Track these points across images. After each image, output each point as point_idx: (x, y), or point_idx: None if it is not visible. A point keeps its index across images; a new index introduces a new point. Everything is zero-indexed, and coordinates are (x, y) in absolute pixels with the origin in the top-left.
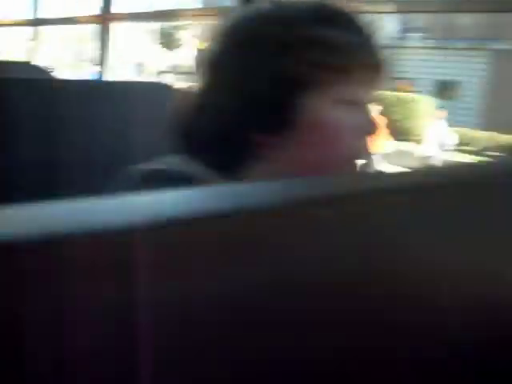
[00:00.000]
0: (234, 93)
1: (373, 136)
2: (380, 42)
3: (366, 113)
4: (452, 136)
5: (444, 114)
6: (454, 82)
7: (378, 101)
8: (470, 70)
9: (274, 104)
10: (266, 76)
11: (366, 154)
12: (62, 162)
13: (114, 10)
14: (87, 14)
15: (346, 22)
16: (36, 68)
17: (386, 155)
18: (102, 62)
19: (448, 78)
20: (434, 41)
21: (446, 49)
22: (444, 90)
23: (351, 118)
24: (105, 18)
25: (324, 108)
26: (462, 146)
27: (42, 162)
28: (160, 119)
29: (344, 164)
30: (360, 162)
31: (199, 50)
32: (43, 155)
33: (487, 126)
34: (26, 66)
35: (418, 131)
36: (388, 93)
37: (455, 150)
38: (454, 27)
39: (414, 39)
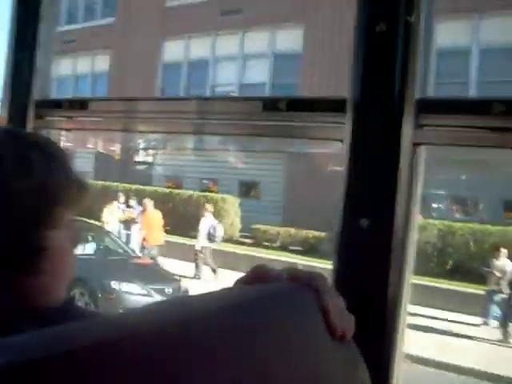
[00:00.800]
0: None
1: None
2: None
3: (74, 228)
4: (220, 229)
5: (210, 208)
6: (255, 182)
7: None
8: (269, 171)
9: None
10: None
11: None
12: None
13: None
14: None
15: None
16: None
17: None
18: None
19: (250, 178)
20: (235, 143)
21: (247, 151)
22: (246, 189)
23: (66, 238)
24: None
25: (55, 235)
26: (264, 241)
27: None
28: None
29: (69, 279)
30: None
31: None
32: None
33: (285, 223)
34: None
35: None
36: (196, 193)
37: (258, 246)
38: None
39: (216, 143)
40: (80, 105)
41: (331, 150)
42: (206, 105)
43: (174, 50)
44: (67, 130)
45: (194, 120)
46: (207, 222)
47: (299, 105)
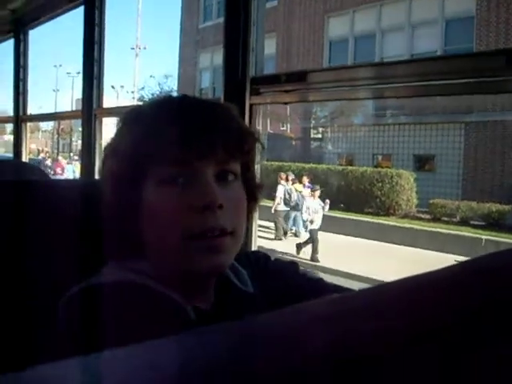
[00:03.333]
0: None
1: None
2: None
3: (199, 186)
4: (294, 193)
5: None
6: (430, 155)
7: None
8: (445, 143)
9: (124, 202)
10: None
11: (217, 227)
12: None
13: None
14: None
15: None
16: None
17: None
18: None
19: (424, 151)
20: (408, 117)
21: (421, 124)
22: (421, 163)
23: (179, 195)
24: (94, 114)
25: (151, 192)
26: (443, 216)
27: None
28: None
29: (191, 240)
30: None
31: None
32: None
33: (465, 196)
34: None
35: (401, 206)
36: (369, 169)
37: (436, 221)
38: (428, 102)
39: (389, 116)
40: (298, 77)
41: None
42: (435, 65)
43: (338, 26)
44: (285, 103)
45: (419, 82)
46: (282, 188)
47: None
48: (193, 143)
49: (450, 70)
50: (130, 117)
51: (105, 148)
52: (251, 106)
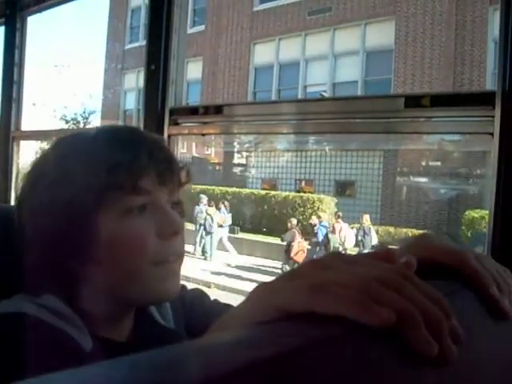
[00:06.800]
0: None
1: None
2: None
3: (164, 214)
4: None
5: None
6: (351, 181)
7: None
8: (365, 170)
9: (74, 232)
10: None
11: (178, 252)
12: None
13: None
14: None
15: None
16: None
17: None
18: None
19: (345, 177)
20: (330, 143)
21: (342, 150)
22: (342, 188)
23: (144, 223)
24: (11, 136)
25: (113, 222)
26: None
27: None
28: None
29: (154, 266)
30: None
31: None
32: None
33: (383, 221)
34: None
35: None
36: (292, 194)
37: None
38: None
39: (312, 143)
40: (215, 110)
41: (429, 145)
42: (349, 104)
43: (264, 53)
44: (203, 134)
45: (338, 120)
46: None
47: (443, 100)
48: (152, 172)
49: (356, 109)
50: (73, 145)
51: (36, 176)
52: (169, 136)
